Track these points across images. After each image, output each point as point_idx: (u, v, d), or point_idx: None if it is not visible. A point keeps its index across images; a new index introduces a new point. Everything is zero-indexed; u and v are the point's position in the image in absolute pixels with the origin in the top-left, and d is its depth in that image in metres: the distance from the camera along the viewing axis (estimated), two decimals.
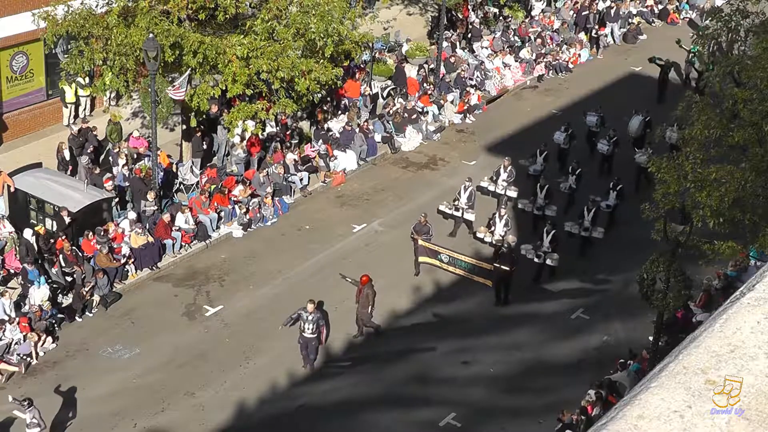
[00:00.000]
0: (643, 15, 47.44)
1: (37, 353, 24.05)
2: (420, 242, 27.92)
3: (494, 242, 28.43)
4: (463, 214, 30.03)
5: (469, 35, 42.23)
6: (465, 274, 27.62)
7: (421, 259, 27.94)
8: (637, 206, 29.53)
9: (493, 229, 29.12)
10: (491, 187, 31.45)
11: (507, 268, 26.58)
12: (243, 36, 28.38)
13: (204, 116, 30.97)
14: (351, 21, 30.05)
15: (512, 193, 31.12)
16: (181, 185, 30.84)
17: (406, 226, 29.25)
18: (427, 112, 36.65)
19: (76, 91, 31.38)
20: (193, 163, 31.09)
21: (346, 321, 26.05)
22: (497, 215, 29.17)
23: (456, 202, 30.10)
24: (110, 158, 30.77)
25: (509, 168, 31.40)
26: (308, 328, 23.81)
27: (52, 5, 27.62)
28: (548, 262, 28.01)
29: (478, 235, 29.41)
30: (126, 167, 29.90)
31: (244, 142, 31.78)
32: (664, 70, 39.07)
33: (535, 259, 28.03)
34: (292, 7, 28.98)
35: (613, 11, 45.40)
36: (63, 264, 26.03)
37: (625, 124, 34.46)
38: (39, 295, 24.89)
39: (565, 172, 31.89)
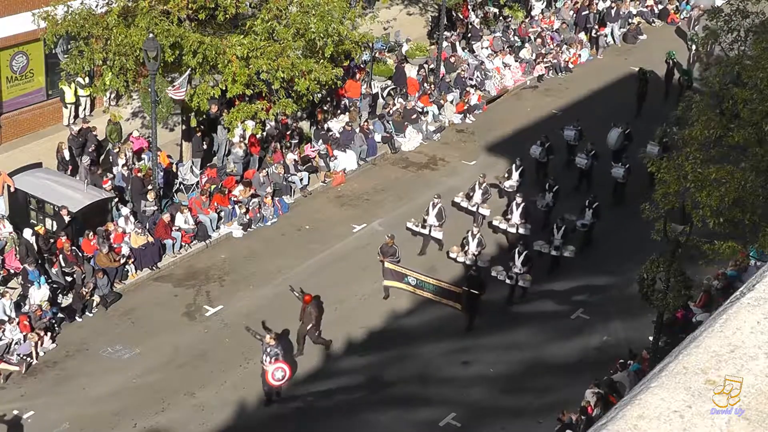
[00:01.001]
0: (643, 15, 47.45)
1: (37, 353, 24.05)
2: (386, 264, 26.72)
3: (467, 263, 27.59)
4: (430, 231, 28.93)
5: (469, 35, 42.23)
6: (433, 297, 26.39)
7: (387, 282, 26.79)
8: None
9: (466, 249, 28.15)
10: (464, 204, 30.40)
11: (476, 292, 25.60)
12: (243, 36, 28.38)
13: (204, 116, 30.97)
14: (351, 21, 30.05)
15: (485, 211, 30.04)
16: (181, 185, 30.84)
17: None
18: (427, 112, 36.65)
19: (75, 91, 31.38)
20: (193, 163, 31.09)
21: (346, 321, 26.07)
22: (470, 234, 28.21)
23: (424, 220, 29.01)
24: (110, 158, 30.78)
25: (484, 185, 30.26)
26: (266, 360, 22.48)
27: (52, 5, 27.61)
28: (521, 283, 26.98)
29: (451, 255, 28.35)
30: (126, 167, 29.90)
31: (244, 141, 31.75)
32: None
33: (507, 281, 26.98)
34: (292, 7, 28.97)
35: (613, 11, 45.40)
36: (63, 264, 26.03)
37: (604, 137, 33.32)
38: (39, 295, 24.89)
39: (542, 189, 30.72)
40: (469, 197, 30.38)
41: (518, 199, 29.52)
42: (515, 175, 31.35)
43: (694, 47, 40.32)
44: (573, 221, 29.02)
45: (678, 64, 39.00)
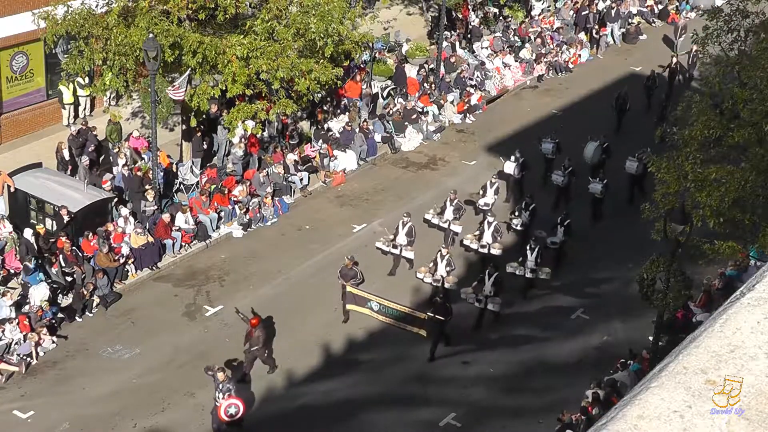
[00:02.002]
0: (643, 15, 47.46)
1: (37, 353, 24.05)
2: (348, 288, 25.60)
3: (434, 284, 26.60)
4: (401, 251, 27.82)
5: (469, 35, 42.23)
6: (396, 323, 25.39)
7: (349, 306, 25.75)
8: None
9: (434, 269, 26.99)
10: (435, 220, 29.33)
11: (441, 318, 24.50)
12: (243, 36, 28.39)
13: (204, 116, 30.97)
14: (351, 21, 30.06)
15: (457, 228, 28.89)
16: (181, 185, 30.84)
17: None
18: (427, 112, 36.65)
19: (74, 92, 31.38)
20: (193, 163, 31.09)
21: (346, 321, 26.08)
22: (439, 255, 26.92)
23: (393, 239, 27.94)
24: (110, 158, 30.78)
25: (456, 201, 29.04)
26: (219, 396, 21.76)
27: (52, 5, 27.63)
28: (490, 307, 25.81)
29: (418, 275, 27.22)
30: (126, 167, 29.91)
31: (244, 140, 31.75)
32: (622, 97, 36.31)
33: (476, 304, 25.84)
34: (292, 7, 28.99)
35: (613, 11, 45.40)
36: (63, 264, 26.03)
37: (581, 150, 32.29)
38: (39, 295, 24.89)
39: (518, 207, 29.62)
40: (440, 214, 29.29)
41: (489, 218, 28.40)
42: (490, 193, 30.05)
43: (676, 58, 39.72)
44: (542, 238, 27.90)
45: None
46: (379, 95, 37.35)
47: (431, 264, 27.12)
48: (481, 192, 30.36)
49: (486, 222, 28.36)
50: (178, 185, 30.82)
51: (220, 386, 21.74)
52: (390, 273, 27.90)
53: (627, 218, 29.29)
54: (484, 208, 29.76)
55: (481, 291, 25.81)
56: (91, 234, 26.83)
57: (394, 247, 27.93)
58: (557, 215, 29.12)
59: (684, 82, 38.90)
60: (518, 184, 31.61)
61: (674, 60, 39.23)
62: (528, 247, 27.08)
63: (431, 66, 38.62)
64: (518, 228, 29.13)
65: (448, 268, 26.79)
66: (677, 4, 48.42)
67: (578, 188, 30.86)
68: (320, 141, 33.63)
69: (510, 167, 31.53)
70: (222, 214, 29.67)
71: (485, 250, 28.14)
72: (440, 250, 27.12)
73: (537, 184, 31.65)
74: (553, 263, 27.92)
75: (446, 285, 26.69)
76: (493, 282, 25.75)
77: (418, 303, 26.36)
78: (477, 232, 28.53)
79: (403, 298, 26.45)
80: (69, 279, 26.06)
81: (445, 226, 29.05)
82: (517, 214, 29.35)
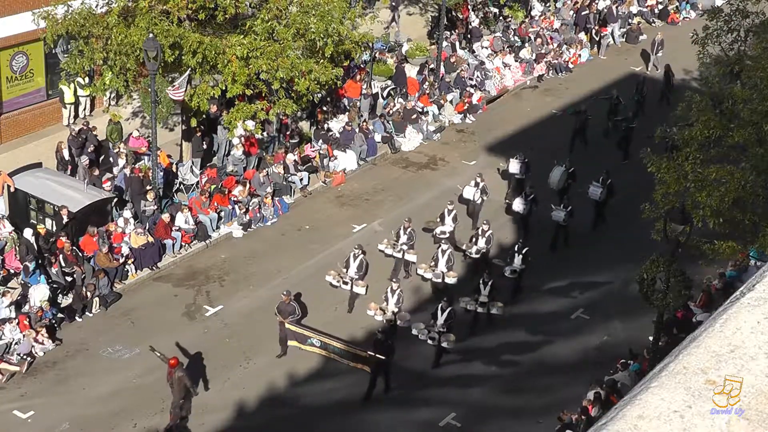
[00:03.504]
0: (644, 15, 47.48)
1: (33, 349, 23.99)
2: (286, 325, 24.19)
3: (385, 321, 25.24)
4: (352, 286, 26.37)
5: (469, 35, 42.23)
6: (339, 359, 24.24)
7: (290, 343, 24.42)
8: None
9: (384, 305, 25.52)
10: (389, 251, 27.75)
11: (382, 358, 23.24)
12: (243, 36, 28.39)
13: (204, 116, 30.98)
14: (351, 21, 30.06)
15: (411, 257, 27.52)
16: (181, 185, 30.84)
17: None
18: (427, 112, 36.66)
19: (75, 92, 31.37)
20: (193, 163, 31.10)
21: (347, 321, 26.07)
22: (389, 289, 25.55)
23: (343, 273, 26.51)
24: (110, 158, 30.78)
25: (409, 229, 27.52)
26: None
27: (52, 5, 27.62)
28: (443, 344, 24.55)
29: (368, 312, 25.82)
30: (126, 167, 29.91)
31: (241, 141, 31.75)
32: (580, 119, 35.09)
33: (429, 342, 24.60)
34: (292, 7, 28.98)
35: (614, 11, 45.39)
36: (63, 264, 26.03)
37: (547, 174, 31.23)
38: (39, 295, 24.89)
39: (510, 253, 27.84)
40: (394, 244, 27.65)
41: (443, 246, 27.00)
42: (448, 220, 28.55)
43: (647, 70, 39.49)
44: (501, 267, 26.97)
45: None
46: (379, 95, 37.35)
47: (383, 298, 25.69)
48: (438, 219, 28.91)
49: (440, 250, 26.93)
50: (178, 185, 30.82)
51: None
52: (349, 310, 26.39)
53: (627, 218, 29.28)
54: (441, 236, 28.25)
55: (434, 327, 24.57)
56: (94, 230, 26.72)
57: (345, 282, 26.40)
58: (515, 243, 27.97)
59: (662, 98, 37.88)
60: (477, 210, 30.19)
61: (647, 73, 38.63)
62: (481, 281, 25.76)
63: (431, 66, 38.62)
64: (474, 256, 27.78)
65: (399, 305, 25.38)
66: (677, 4, 48.43)
67: (541, 216, 29.54)
68: (320, 141, 33.64)
69: (469, 192, 30.19)
70: (222, 214, 29.67)
71: (439, 280, 26.88)
72: (390, 285, 25.74)
73: (498, 208, 30.75)
74: (511, 294, 26.77)
75: (399, 322, 25.26)
76: (447, 317, 24.47)
77: (365, 340, 24.95)
78: (432, 262, 27.14)
79: (356, 332, 25.57)
80: (69, 279, 26.06)
81: (399, 255, 27.54)
82: (473, 241, 28.02)
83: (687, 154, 22.18)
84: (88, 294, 25.68)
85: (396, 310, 25.45)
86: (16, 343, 23.84)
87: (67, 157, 29.86)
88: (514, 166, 31.83)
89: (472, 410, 23.45)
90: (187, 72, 27.89)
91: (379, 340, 23.52)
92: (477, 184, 30.27)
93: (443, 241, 27.59)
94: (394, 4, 40.58)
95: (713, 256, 22.54)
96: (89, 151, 30.12)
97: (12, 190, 27.89)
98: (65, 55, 29.32)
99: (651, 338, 23.18)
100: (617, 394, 21.57)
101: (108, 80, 28.34)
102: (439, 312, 24.65)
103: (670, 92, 38.18)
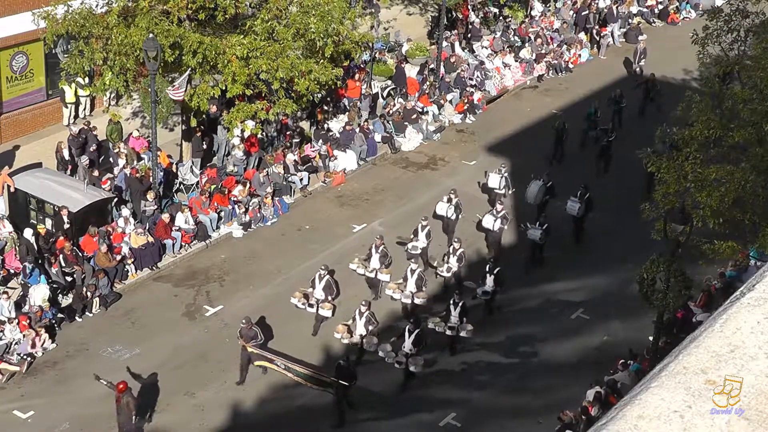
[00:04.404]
0: (644, 15, 47.48)
1: (33, 346, 23.99)
2: (249, 349, 23.44)
3: (354, 343, 24.49)
4: (317, 309, 25.42)
5: (469, 35, 42.24)
6: (303, 382, 23.38)
7: (257, 363, 23.65)
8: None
9: (353, 328, 24.68)
10: (361, 270, 26.91)
11: (345, 384, 22.52)
12: (243, 36, 28.39)
13: (204, 116, 30.98)
14: (351, 21, 30.06)
15: (384, 277, 26.57)
16: (181, 185, 30.85)
17: (406, 226, 29.20)
18: (427, 112, 36.66)
19: (75, 91, 31.39)
20: (193, 163, 31.10)
21: (345, 320, 26.04)
22: (357, 312, 24.55)
23: (308, 295, 25.64)
24: (110, 158, 30.78)
25: (381, 248, 26.59)
26: None
27: (52, 5, 27.62)
28: (411, 368, 23.66)
29: (335, 335, 24.92)
30: (127, 167, 29.91)
31: (242, 141, 31.76)
32: (559, 132, 34.09)
33: (396, 365, 23.76)
34: (292, 7, 28.99)
35: (614, 11, 45.39)
36: (63, 264, 26.03)
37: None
38: (39, 295, 24.89)
39: (446, 253, 27.33)
40: (365, 263, 26.82)
41: (413, 266, 26.08)
42: (421, 236, 27.60)
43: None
44: (474, 289, 26.24)
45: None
46: (379, 95, 37.35)
47: (351, 320, 24.93)
48: (412, 236, 27.91)
49: (409, 270, 25.96)
50: (178, 185, 30.82)
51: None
52: (313, 333, 25.52)
53: (627, 218, 29.25)
54: (413, 252, 27.41)
55: (401, 349, 23.73)
56: (94, 230, 26.72)
57: (311, 305, 25.53)
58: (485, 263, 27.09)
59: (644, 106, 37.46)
60: (451, 226, 29.16)
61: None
62: (452, 302, 24.92)
63: (431, 66, 38.63)
64: (445, 274, 26.99)
65: (368, 327, 24.45)
66: (677, 4, 48.43)
67: (515, 234, 29.10)
68: (320, 141, 33.63)
69: (442, 207, 29.21)
70: (222, 214, 29.67)
71: (408, 300, 25.98)
72: (359, 307, 24.71)
73: (470, 225, 29.84)
74: (483, 316, 26.18)
75: (365, 346, 24.47)
76: (415, 340, 23.60)
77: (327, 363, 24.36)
78: (401, 280, 26.22)
79: (324, 355, 25.07)
80: (69, 279, 26.06)
81: (372, 275, 26.74)
82: (445, 259, 27.11)
83: (687, 154, 22.17)
84: (88, 294, 25.68)
85: (364, 332, 24.48)
86: (16, 343, 23.84)
87: (66, 157, 29.87)
88: (493, 181, 31.09)
89: (472, 410, 23.45)
90: (187, 72, 27.89)
91: (341, 366, 22.71)
92: (450, 200, 29.25)
93: (413, 260, 26.79)
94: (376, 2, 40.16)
95: (713, 256, 22.52)
96: (89, 151, 30.12)
97: (12, 190, 27.89)
98: (65, 55, 29.33)
99: (651, 338, 23.20)
100: (617, 394, 21.57)
101: (108, 80, 28.33)
102: (407, 334, 23.72)
103: (647, 104, 37.35)
